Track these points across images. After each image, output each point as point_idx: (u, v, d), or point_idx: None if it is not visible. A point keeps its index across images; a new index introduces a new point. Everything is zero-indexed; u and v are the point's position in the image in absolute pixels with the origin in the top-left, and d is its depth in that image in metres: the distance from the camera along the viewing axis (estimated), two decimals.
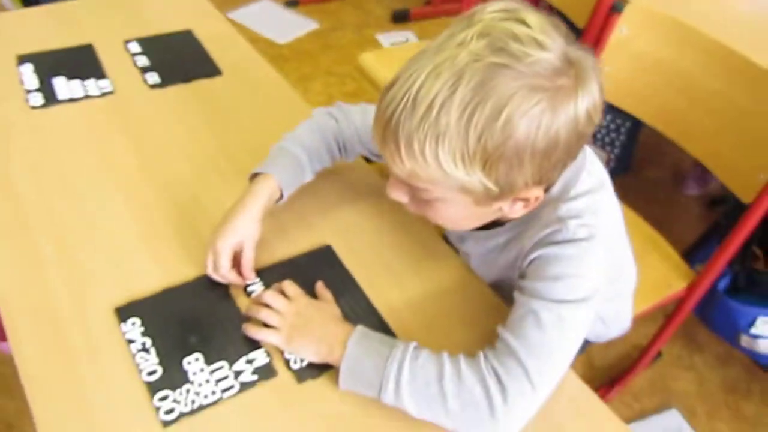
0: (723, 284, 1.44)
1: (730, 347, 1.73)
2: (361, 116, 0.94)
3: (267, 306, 0.79)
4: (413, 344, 0.71)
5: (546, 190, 0.72)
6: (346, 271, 0.88)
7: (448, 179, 0.65)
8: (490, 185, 0.65)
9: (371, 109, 0.79)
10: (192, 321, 0.80)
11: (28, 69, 1.18)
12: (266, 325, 0.78)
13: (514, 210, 0.72)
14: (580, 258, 0.71)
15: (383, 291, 0.85)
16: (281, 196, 0.88)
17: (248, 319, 0.80)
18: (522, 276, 0.75)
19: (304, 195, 0.93)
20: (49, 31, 1.29)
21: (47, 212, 0.92)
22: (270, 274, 0.86)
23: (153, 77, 1.19)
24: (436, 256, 0.92)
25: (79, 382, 0.73)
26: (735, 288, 1.45)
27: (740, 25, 1.52)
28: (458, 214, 0.73)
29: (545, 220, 0.74)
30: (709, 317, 1.52)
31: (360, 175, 1.04)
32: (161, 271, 0.85)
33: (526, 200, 0.70)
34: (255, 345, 0.78)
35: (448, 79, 0.60)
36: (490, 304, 0.86)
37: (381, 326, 0.81)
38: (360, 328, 0.74)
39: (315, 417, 0.72)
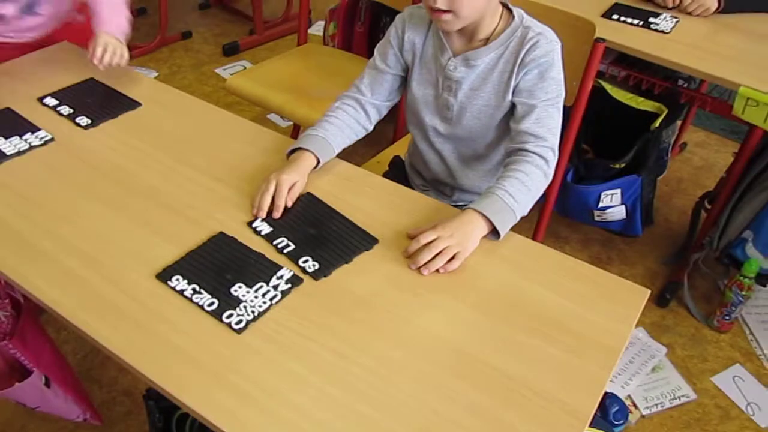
0: (569, 177, 1.90)
1: (587, 233, 2.23)
2: (368, 88, 1.33)
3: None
4: (503, 192, 1.11)
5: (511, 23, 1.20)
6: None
7: None
8: None
9: (369, 73, 1.33)
10: (221, 264, 1.04)
11: None
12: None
13: None
14: (559, 62, 1.19)
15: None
16: (316, 165, 1.23)
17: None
18: (524, 88, 1.19)
19: None
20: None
21: (62, 237, 1.10)
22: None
23: (83, 120, 1.37)
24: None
25: (163, 332, 0.94)
26: (579, 178, 1.91)
27: None
28: None
29: (521, 38, 1.18)
30: (567, 208, 1.98)
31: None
32: (169, 244, 1.08)
33: None
34: (278, 266, 1.04)
35: None
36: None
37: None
38: (474, 208, 1.10)
39: (331, 301, 1.00)
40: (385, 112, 1.38)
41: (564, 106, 1.23)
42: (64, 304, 0.97)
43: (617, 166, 1.83)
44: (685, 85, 1.92)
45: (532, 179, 1.14)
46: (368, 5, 2.38)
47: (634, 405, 1.71)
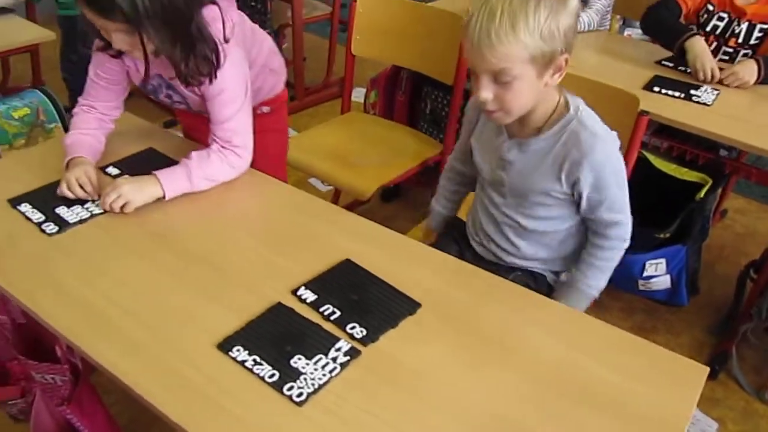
0: None
1: (630, 302, 2.22)
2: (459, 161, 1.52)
3: None
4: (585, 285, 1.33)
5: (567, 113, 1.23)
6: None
7: (523, 52, 1.09)
8: (546, 49, 1.09)
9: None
10: (280, 335, 1.06)
11: (27, 207, 1.37)
12: None
13: (555, 80, 1.17)
14: (616, 158, 1.25)
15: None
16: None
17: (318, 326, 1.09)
18: (586, 186, 1.24)
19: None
20: (20, 177, 1.48)
21: (124, 304, 1.14)
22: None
23: None
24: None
25: (224, 402, 0.96)
26: None
27: None
28: (526, 90, 1.15)
29: (575, 135, 1.21)
30: (612, 278, 1.97)
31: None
32: (228, 312, 1.11)
33: (559, 68, 1.15)
34: (336, 337, 1.06)
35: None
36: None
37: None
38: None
39: (385, 371, 1.02)
40: None
41: None
42: (128, 371, 1.00)
43: (662, 235, 1.84)
44: (726, 155, 1.94)
45: (608, 263, 1.35)
46: (409, 75, 2.46)
47: None
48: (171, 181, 1.36)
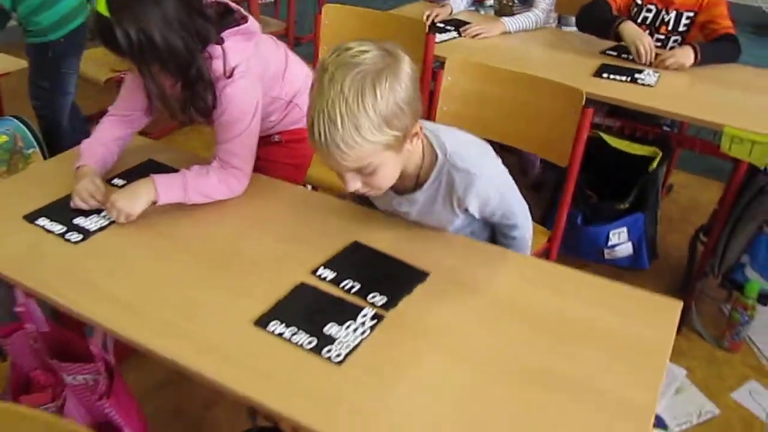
0: (579, 220, 2.09)
1: (595, 270, 2.41)
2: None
3: None
4: None
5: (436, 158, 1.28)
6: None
7: (376, 147, 1.10)
8: (398, 134, 1.11)
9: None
10: (309, 309, 1.19)
11: (45, 221, 1.45)
12: None
13: (415, 146, 1.21)
14: (489, 178, 1.30)
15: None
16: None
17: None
18: (473, 212, 1.34)
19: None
20: (32, 194, 1.55)
21: (158, 297, 1.24)
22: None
23: None
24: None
25: (269, 369, 1.08)
26: (587, 221, 2.11)
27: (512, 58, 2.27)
28: (391, 169, 1.19)
29: (450, 179, 1.28)
30: (578, 249, 2.16)
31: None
32: (253, 297, 1.22)
33: (416, 134, 1.18)
34: (360, 306, 1.19)
35: (339, 101, 1.06)
36: None
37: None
38: None
39: (409, 329, 1.16)
40: None
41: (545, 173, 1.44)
42: (173, 351, 1.10)
43: (622, 206, 2.03)
44: (669, 130, 2.16)
45: (519, 249, 1.46)
46: None
47: (665, 425, 1.85)
48: (166, 187, 1.43)
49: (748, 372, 2.02)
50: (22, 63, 2.41)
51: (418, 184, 1.34)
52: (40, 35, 2.44)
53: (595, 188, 2.12)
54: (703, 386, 1.96)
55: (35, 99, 2.58)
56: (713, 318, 2.22)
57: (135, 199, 1.41)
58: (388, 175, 1.21)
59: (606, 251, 2.09)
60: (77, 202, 1.46)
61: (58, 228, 1.42)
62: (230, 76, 1.42)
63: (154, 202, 1.43)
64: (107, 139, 1.59)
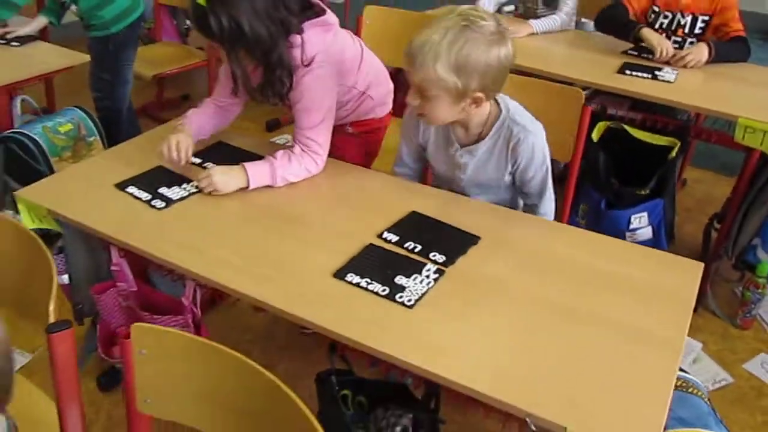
0: (602, 205, 2.27)
1: None
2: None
3: None
4: None
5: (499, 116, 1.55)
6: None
7: (439, 82, 1.37)
8: (459, 85, 1.38)
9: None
10: (379, 265, 1.37)
11: (133, 189, 1.64)
12: None
13: (470, 109, 1.46)
14: (541, 143, 1.55)
15: None
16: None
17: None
18: (519, 170, 1.59)
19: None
20: (117, 168, 1.74)
21: (243, 254, 1.42)
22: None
23: None
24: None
25: (351, 309, 1.27)
26: (610, 206, 2.29)
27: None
28: (443, 109, 1.45)
29: (509, 132, 1.54)
30: (601, 232, 2.33)
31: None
32: (329, 254, 1.41)
33: (474, 101, 1.43)
34: (423, 262, 1.37)
35: (441, 34, 1.36)
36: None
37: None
38: None
39: (468, 280, 1.35)
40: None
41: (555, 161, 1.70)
42: (274, 299, 1.29)
43: (642, 192, 2.21)
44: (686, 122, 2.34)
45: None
46: None
47: None
48: (256, 175, 1.61)
49: (760, 346, 2.19)
50: (85, 57, 2.60)
51: (480, 138, 1.58)
52: (102, 29, 2.64)
53: (618, 175, 2.30)
54: (717, 358, 2.14)
55: (97, 91, 2.77)
56: (727, 299, 2.39)
57: (229, 179, 1.59)
58: (438, 111, 1.46)
59: (627, 234, 2.27)
60: (164, 149, 1.64)
61: (144, 195, 1.61)
62: (308, 65, 1.61)
63: (244, 188, 1.61)
64: (208, 113, 1.79)
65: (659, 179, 2.22)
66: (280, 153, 1.66)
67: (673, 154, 2.20)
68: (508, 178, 1.64)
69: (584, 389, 1.10)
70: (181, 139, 1.66)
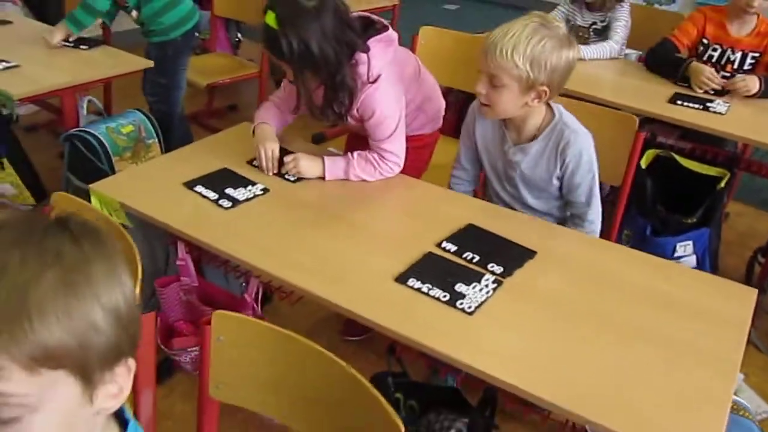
0: (648, 231, 2.30)
1: None
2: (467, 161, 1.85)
3: None
4: None
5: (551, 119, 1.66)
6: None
7: (513, 69, 1.49)
8: (531, 76, 1.50)
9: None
10: (439, 272, 1.42)
11: (201, 188, 1.71)
12: None
13: (533, 104, 1.58)
14: (589, 150, 1.63)
15: None
16: None
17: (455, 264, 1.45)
18: (567, 174, 1.67)
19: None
20: (187, 167, 1.81)
21: (311, 253, 1.49)
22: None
23: (289, 177, 1.78)
24: None
25: (411, 313, 1.32)
26: (655, 233, 2.32)
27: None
28: (509, 100, 1.56)
29: (560, 134, 1.64)
30: None
31: None
32: (390, 260, 1.46)
33: (539, 94, 1.55)
34: (482, 273, 1.42)
35: (521, 28, 1.51)
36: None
37: None
38: None
39: (524, 292, 1.40)
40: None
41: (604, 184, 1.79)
42: (339, 299, 1.35)
43: (689, 221, 2.24)
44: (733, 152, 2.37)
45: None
46: (456, 97, 2.87)
47: None
48: (333, 168, 1.73)
49: None
50: (148, 63, 2.71)
51: (533, 139, 1.69)
52: (162, 35, 2.76)
53: (664, 203, 2.33)
54: (759, 390, 2.14)
55: (152, 95, 2.88)
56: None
57: (311, 167, 1.74)
58: (504, 101, 1.58)
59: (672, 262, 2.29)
60: (261, 158, 1.76)
61: (212, 195, 1.68)
62: (374, 81, 1.68)
63: (321, 178, 1.73)
64: (275, 114, 1.88)
65: (706, 209, 2.25)
66: (356, 153, 1.75)
67: (722, 184, 2.23)
68: (556, 182, 1.71)
69: (643, 402, 1.13)
70: (274, 147, 1.78)
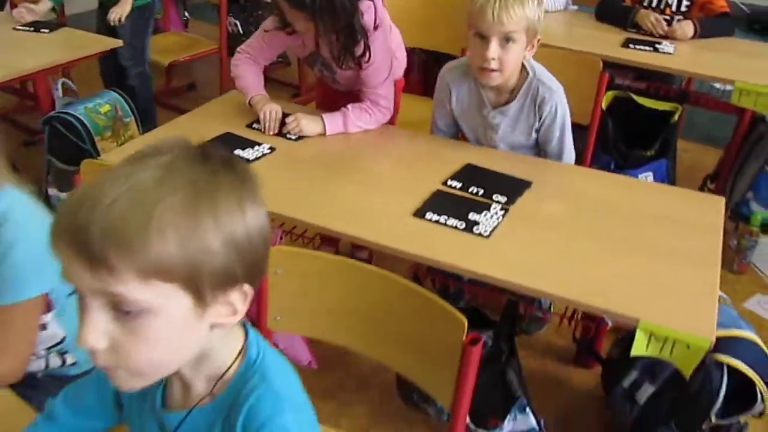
0: (612, 166, 2.52)
1: None
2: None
3: None
4: None
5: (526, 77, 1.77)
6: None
7: (523, 22, 1.62)
8: (536, 25, 1.65)
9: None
10: (451, 205, 1.58)
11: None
12: None
13: (528, 56, 1.72)
14: (563, 104, 1.78)
15: None
16: None
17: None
18: (544, 128, 1.81)
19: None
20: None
21: (332, 202, 1.62)
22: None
23: (291, 136, 1.91)
24: None
25: (430, 242, 1.48)
26: (618, 167, 2.54)
27: None
28: (517, 55, 1.68)
29: (535, 91, 1.76)
30: None
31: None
32: (402, 198, 1.61)
33: (533, 45, 1.70)
34: (488, 204, 1.59)
35: None
36: None
37: None
38: None
39: (529, 215, 1.58)
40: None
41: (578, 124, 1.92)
42: (368, 237, 1.49)
43: (648, 153, 2.47)
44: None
45: None
46: (421, 57, 3.02)
47: None
48: (332, 123, 1.87)
49: (754, 288, 2.48)
50: (117, 42, 2.74)
51: (510, 99, 1.80)
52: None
53: (624, 140, 2.56)
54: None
55: (129, 59, 3.03)
56: (723, 247, 2.67)
57: (312, 124, 1.87)
58: (514, 61, 1.69)
59: None
60: (268, 120, 1.88)
61: None
62: (377, 28, 1.82)
63: (321, 134, 1.86)
64: (256, 71, 1.99)
65: (663, 141, 2.48)
66: (350, 105, 1.89)
67: (675, 117, 2.46)
68: (534, 135, 1.86)
69: (648, 293, 1.33)
70: (277, 109, 1.91)
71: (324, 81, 2.14)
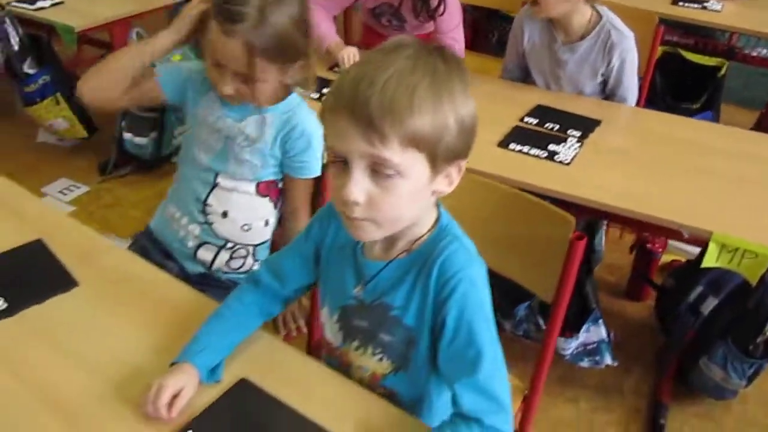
0: None
1: None
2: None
3: None
4: None
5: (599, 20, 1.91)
6: None
7: None
8: None
9: None
10: (533, 137, 1.75)
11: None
12: None
13: None
14: (633, 49, 1.92)
15: None
16: None
17: None
18: (613, 70, 1.93)
19: None
20: None
21: None
22: None
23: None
24: None
25: (522, 167, 1.64)
26: None
27: None
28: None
29: (607, 35, 1.90)
30: None
31: None
32: (485, 132, 1.78)
33: None
34: (565, 137, 1.76)
35: None
36: None
37: None
38: None
39: (600, 148, 1.74)
40: None
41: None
42: None
43: (694, 106, 2.63)
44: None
45: None
46: (471, 10, 3.16)
47: None
48: None
49: None
50: None
51: (581, 38, 1.93)
52: None
53: (672, 93, 2.71)
54: None
55: None
56: None
57: None
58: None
59: None
60: (348, 62, 2.00)
61: (315, 96, 1.95)
62: None
63: None
64: (329, 19, 2.13)
65: (709, 94, 2.64)
66: None
67: (723, 72, 2.62)
68: (600, 79, 2.00)
69: (720, 210, 1.51)
70: (355, 51, 2.02)
71: (374, 31, 2.28)
